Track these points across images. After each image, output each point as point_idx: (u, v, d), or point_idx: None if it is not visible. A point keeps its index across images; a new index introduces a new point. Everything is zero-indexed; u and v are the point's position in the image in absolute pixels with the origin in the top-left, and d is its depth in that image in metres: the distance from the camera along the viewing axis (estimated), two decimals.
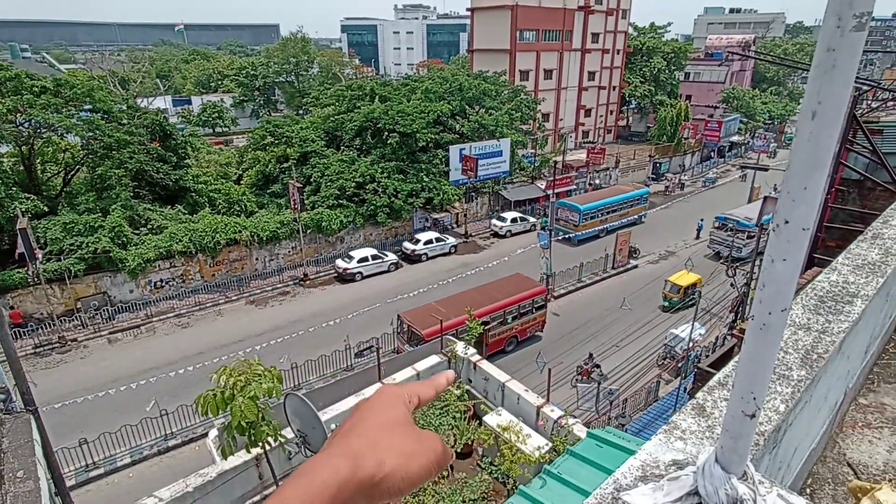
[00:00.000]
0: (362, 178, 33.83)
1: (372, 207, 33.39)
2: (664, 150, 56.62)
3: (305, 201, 31.10)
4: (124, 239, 26.36)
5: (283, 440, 8.60)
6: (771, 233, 1.08)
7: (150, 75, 70.23)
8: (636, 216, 40.44)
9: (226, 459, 9.18)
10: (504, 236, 37.90)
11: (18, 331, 23.48)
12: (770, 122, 70.55)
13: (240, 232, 29.33)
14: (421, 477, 0.81)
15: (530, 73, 55.26)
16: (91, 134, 28.25)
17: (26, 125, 27.43)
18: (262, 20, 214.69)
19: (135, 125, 30.60)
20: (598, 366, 20.85)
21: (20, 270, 23.77)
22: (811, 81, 0.96)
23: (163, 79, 76.58)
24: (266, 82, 71.93)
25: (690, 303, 25.11)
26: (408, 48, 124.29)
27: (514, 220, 38.54)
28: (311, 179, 34.54)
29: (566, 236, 35.83)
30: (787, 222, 1.04)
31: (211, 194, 32.86)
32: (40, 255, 23.07)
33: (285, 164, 35.77)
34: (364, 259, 31.09)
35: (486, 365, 10.75)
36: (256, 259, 30.68)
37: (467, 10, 57.99)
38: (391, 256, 32.32)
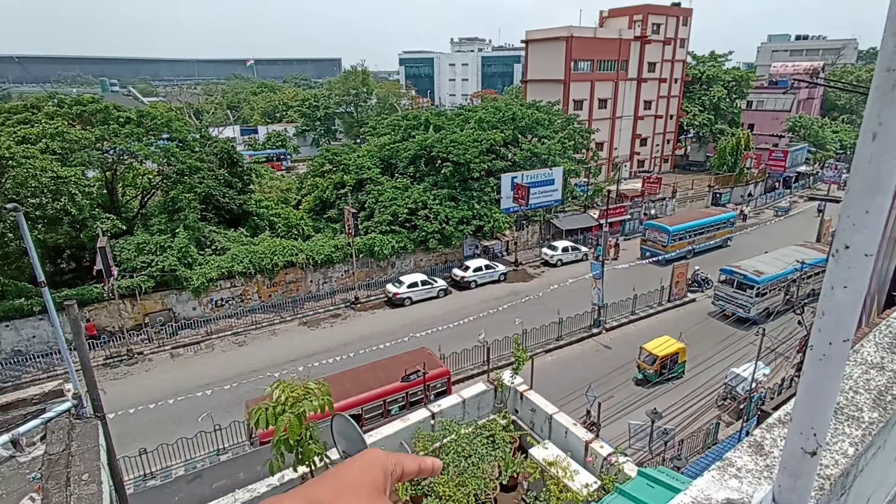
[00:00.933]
0: (415, 204, 34.48)
1: (423, 233, 33.86)
2: (725, 181, 54.54)
3: (359, 226, 31.96)
4: (190, 259, 27.90)
5: (328, 461, 8.69)
6: (830, 258, 1.03)
7: (222, 106, 75.19)
8: (723, 239, 40.21)
9: (272, 475, 9.34)
10: (555, 265, 37.34)
11: (92, 343, 25.12)
12: (842, 151, 66.68)
13: (296, 255, 30.40)
14: None
15: (584, 103, 55.09)
16: (166, 160, 30.42)
17: (111, 152, 29.87)
18: (325, 55, 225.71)
19: (206, 153, 32.70)
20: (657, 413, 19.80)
21: (98, 286, 25.57)
22: (871, 102, 0.94)
23: (233, 110, 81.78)
24: (327, 113, 75.38)
25: (670, 376, 22.99)
26: (463, 79, 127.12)
27: (565, 250, 37.96)
28: (366, 205, 35.53)
29: (655, 258, 36.17)
30: (847, 247, 0.99)
31: (271, 218, 34.41)
32: (116, 272, 24.76)
33: (342, 191, 37.05)
34: (414, 284, 31.41)
35: (533, 395, 10.49)
36: (311, 281, 31.62)
37: (522, 41, 58.91)
38: (440, 282, 32.49)
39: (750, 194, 54.33)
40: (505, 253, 38.81)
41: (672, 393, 21.46)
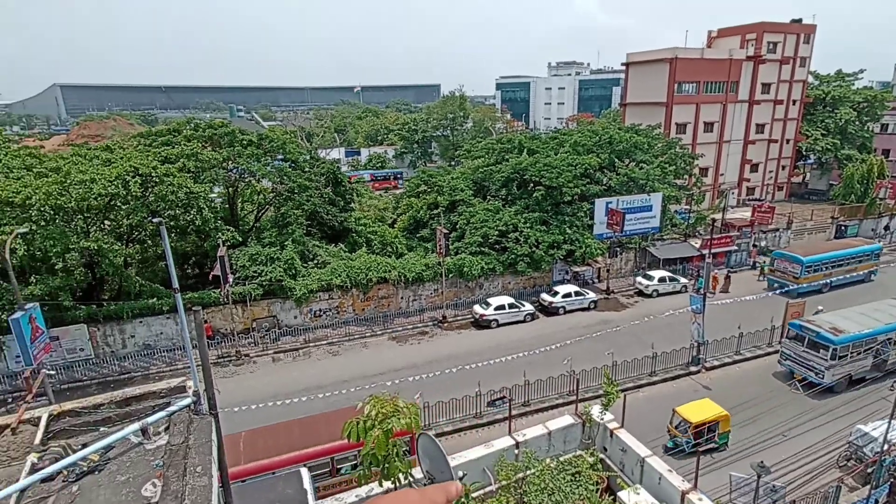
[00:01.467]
0: (505, 226, 34.64)
1: (513, 256, 33.84)
2: (852, 212, 48.97)
3: (450, 246, 32.66)
4: (294, 270, 30.06)
5: (412, 479, 8.93)
6: None
7: (330, 130, 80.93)
8: (864, 273, 36.81)
9: (360, 487, 9.79)
10: (650, 295, 35.52)
11: (208, 343, 27.80)
12: None
13: (389, 271, 31.67)
14: None
15: (688, 126, 52.43)
16: (280, 179, 33.27)
17: (235, 171, 33.25)
18: (426, 81, 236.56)
19: (314, 173, 35.31)
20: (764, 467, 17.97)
21: (215, 291, 28.35)
22: None
23: (339, 133, 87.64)
24: (424, 136, 78.33)
25: (708, 448, 19.26)
26: (559, 103, 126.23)
27: (662, 280, 36.03)
28: (457, 226, 36.26)
29: (783, 289, 34.13)
30: None
31: (369, 235, 36.24)
32: (231, 280, 27.32)
33: (435, 211, 38.16)
34: (501, 307, 31.39)
35: (624, 434, 10.07)
36: (401, 298, 32.72)
37: (622, 64, 57.55)
38: (528, 306, 32.17)
39: (887, 227, 48.25)
40: (596, 280, 37.64)
41: (785, 445, 19.43)
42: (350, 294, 31.32)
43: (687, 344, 26.39)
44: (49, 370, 19.87)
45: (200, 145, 32.15)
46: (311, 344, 29.28)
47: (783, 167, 61.23)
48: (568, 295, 33.22)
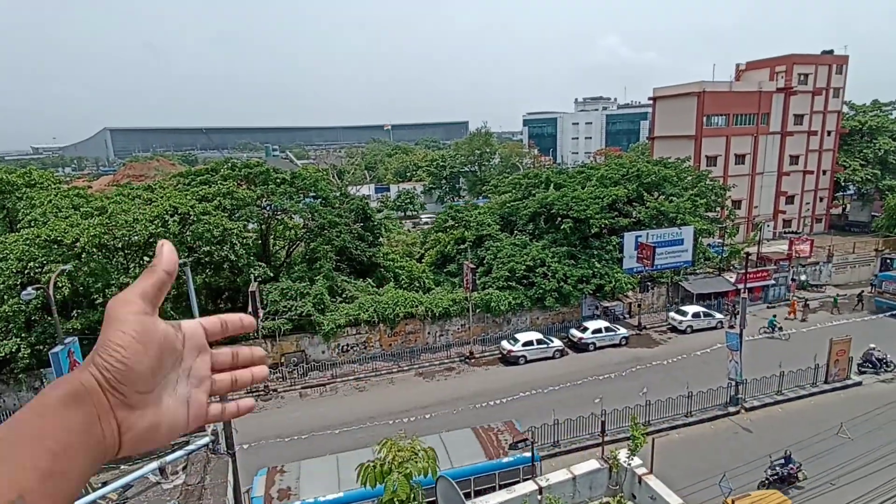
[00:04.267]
0: (533, 261, 34.45)
1: (540, 291, 33.50)
2: None
3: (477, 281, 32.60)
4: (323, 305, 30.46)
5: None
6: None
7: (360, 167, 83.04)
8: None
9: None
10: (684, 332, 34.44)
11: None
12: None
13: (416, 306, 31.73)
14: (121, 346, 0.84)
15: (718, 159, 51.76)
16: (311, 216, 34.16)
17: (268, 208, 34.33)
18: (454, 118, 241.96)
19: (344, 209, 36.14)
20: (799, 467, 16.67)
21: None
22: None
23: (370, 170, 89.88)
24: (452, 172, 79.52)
25: None
26: (586, 137, 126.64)
27: (696, 315, 34.95)
28: (484, 261, 36.26)
29: (893, 311, 34.17)
30: None
31: (396, 270, 36.56)
32: (262, 314, 27.85)
33: (462, 246, 38.33)
34: (529, 343, 30.93)
35: (653, 481, 9.64)
36: (428, 333, 32.63)
37: (649, 98, 57.70)
38: (557, 342, 31.60)
39: None
40: (627, 315, 36.80)
41: (832, 495, 18.22)
42: (377, 329, 31.43)
43: (724, 383, 25.35)
44: None
45: (236, 184, 33.44)
46: (338, 379, 29.34)
47: (821, 199, 59.44)
48: (598, 331, 32.52)
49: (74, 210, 28.49)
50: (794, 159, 55.81)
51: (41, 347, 23.43)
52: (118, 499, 8.08)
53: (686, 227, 36.95)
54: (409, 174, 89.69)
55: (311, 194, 36.41)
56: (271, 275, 31.76)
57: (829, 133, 57.41)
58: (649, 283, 37.78)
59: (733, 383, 25.00)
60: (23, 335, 23.62)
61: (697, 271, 40.08)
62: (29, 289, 20.42)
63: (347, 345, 31.11)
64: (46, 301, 21.44)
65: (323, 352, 30.70)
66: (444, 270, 38.67)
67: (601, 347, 32.20)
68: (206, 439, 10.19)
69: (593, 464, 10.16)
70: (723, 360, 26.28)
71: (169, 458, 9.34)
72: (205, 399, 1.02)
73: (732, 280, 38.53)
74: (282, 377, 29.06)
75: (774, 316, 34.68)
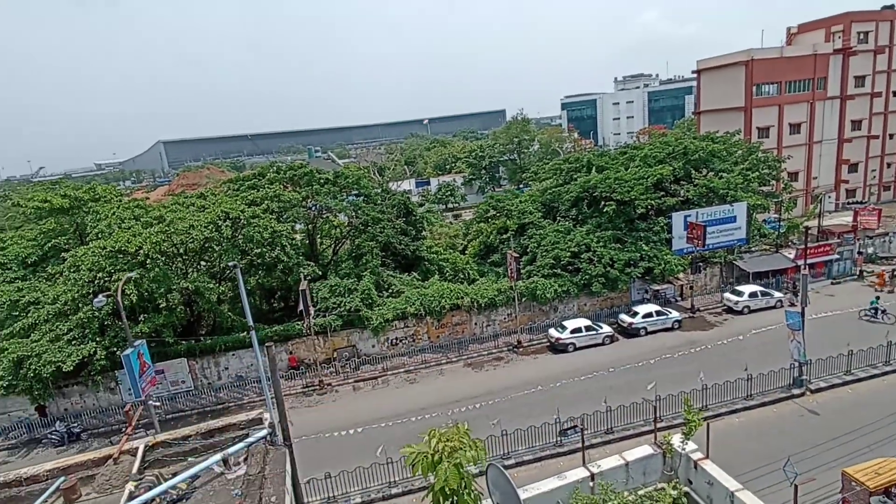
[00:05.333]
0: (577, 247, 33.92)
1: (587, 277, 32.97)
2: None
3: (522, 270, 32.40)
4: (371, 300, 31.12)
5: None
6: None
7: (400, 163, 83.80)
8: None
9: None
10: (740, 312, 33.09)
11: (292, 373, 29.36)
12: None
13: (462, 298, 31.92)
14: None
15: (771, 129, 49.13)
16: (355, 213, 34.88)
17: (314, 208, 35.31)
18: (490, 107, 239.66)
19: (386, 205, 36.68)
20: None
21: (299, 323, 29.93)
22: None
23: (409, 165, 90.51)
24: (491, 161, 79.03)
25: None
26: (628, 117, 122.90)
27: (753, 295, 33.46)
28: (528, 249, 35.99)
29: None
30: None
31: (440, 263, 36.85)
32: (313, 311, 28.75)
33: (504, 235, 38.18)
34: (577, 330, 30.55)
35: (710, 466, 9.38)
36: (475, 324, 32.78)
37: (693, 72, 55.32)
38: (606, 329, 31.06)
39: None
40: (679, 298, 35.70)
41: None
42: (424, 322, 31.83)
43: (787, 364, 24.25)
44: (155, 402, 21.81)
45: (282, 186, 34.53)
46: (388, 372, 29.95)
47: (888, 164, 55.46)
48: (649, 315, 31.73)
49: (135, 220, 30.24)
50: (857, 124, 52.24)
51: (114, 350, 25.11)
52: (187, 488, 8.65)
53: (738, 204, 35.36)
54: (448, 167, 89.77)
55: (354, 192, 37.16)
56: (320, 273, 32.67)
57: (894, 94, 53.36)
58: (701, 264, 36.46)
59: (796, 364, 23.87)
60: (97, 339, 25.39)
61: (753, 249, 38.34)
62: (100, 296, 21.93)
63: (396, 338, 31.68)
64: (116, 307, 22.92)
65: (373, 346, 31.41)
66: (488, 261, 38.64)
67: (653, 332, 31.41)
68: (264, 431, 10.71)
69: (646, 449, 9.99)
70: (783, 340, 25.14)
71: (231, 449, 9.87)
72: None
73: (791, 256, 36.66)
74: (335, 372, 29.95)
75: (878, 297, 31.61)
